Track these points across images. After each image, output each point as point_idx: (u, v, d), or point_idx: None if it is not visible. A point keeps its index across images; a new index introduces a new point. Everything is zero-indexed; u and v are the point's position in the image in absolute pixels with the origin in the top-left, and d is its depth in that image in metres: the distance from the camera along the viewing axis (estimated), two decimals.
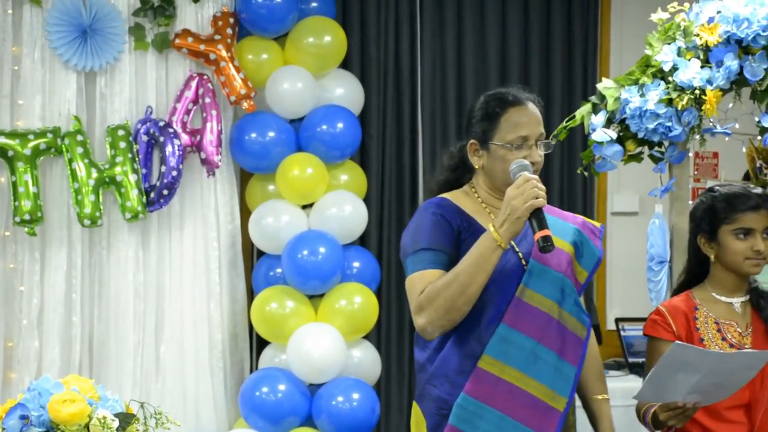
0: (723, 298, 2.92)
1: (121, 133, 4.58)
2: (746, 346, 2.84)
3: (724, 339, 2.86)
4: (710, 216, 2.90)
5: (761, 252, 2.84)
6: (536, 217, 2.62)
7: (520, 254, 2.77)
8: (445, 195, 2.87)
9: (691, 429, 2.84)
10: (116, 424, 2.78)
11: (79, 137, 4.53)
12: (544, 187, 2.64)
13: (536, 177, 2.65)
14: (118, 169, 4.55)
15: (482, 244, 2.64)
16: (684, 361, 2.58)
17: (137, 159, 4.60)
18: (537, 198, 2.60)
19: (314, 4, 4.96)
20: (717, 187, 2.94)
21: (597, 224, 2.96)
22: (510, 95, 2.81)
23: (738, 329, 2.88)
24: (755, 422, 2.83)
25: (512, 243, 2.76)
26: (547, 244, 2.59)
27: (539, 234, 2.60)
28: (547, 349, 2.74)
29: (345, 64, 5.11)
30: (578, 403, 2.93)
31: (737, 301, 2.92)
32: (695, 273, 2.98)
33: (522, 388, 2.72)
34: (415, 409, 2.85)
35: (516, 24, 5.28)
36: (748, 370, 2.68)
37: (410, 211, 5.27)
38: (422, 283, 2.69)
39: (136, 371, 4.70)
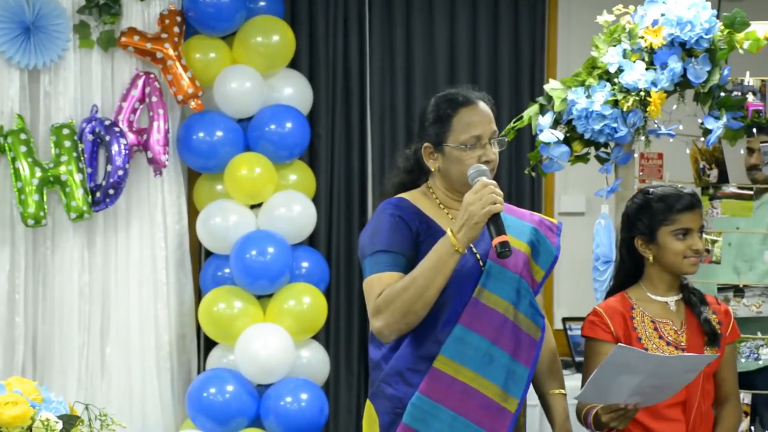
0: (658, 298, 2.95)
1: (65, 132, 4.53)
2: (682, 344, 2.88)
3: (660, 337, 2.90)
4: (648, 217, 2.92)
5: (699, 251, 2.89)
6: (494, 222, 2.62)
7: (478, 255, 2.78)
8: (404, 195, 2.86)
9: (632, 428, 2.87)
10: (60, 426, 2.74)
11: (23, 136, 4.47)
12: (501, 192, 2.65)
13: (494, 182, 2.65)
14: (62, 169, 4.50)
15: (440, 249, 2.63)
16: (626, 363, 2.60)
17: (82, 158, 4.56)
18: (495, 203, 2.61)
19: (262, 3, 4.95)
20: (650, 189, 2.97)
21: (554, 221, 2.97)
22: (460, 96, 2.81)
23: (674, 327, 2.92)
24: (690, 419, 2.87)
25: (470, 244, 2.77)
26: (504, 250, 2.60)
27: (497, 240, 2.60)
28: (501, 350, 2.74)
29: (293, 64, 5.10)
30: (529, 402, 2.94)
31: (672, 299, 2.95)
32: (629, 274, 3.01)
33: (476, 388, 2.72)
34: (369, 407, 2.85)
35: (464, 24, 5.30)
36: (688, 372, 2.72)
37: (359, 211, 5.28)
38: (380, 285, 2.68)
39: (81, 372, 4.65)
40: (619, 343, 2.69)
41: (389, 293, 2.65)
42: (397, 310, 2.64)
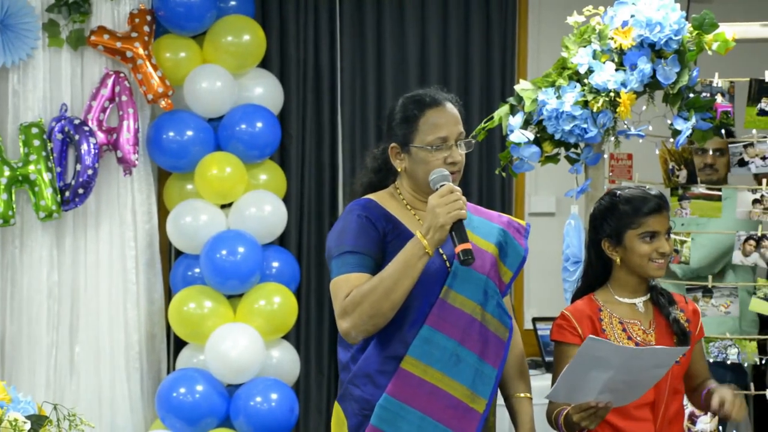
0: (625, 300, 2.96)
1: (34, 131, 4.49)
2: (651, 343, 2.89)
3: (629, 338, 2.91)
4: (615, 220, 2.93)
5: (666, 254, 2.90)
6: (457, 229, 2.64)
7: (444, 256, 2.79)
8: (371, 196, 2.86)
9: (601, 429, 2.88)
10: (28, 426, 2.73)
11: None
12: (465, 199, 2.67)
13: (459, 189, 2.68)
14: (31, 168, 4.47)
15: (408, 251, 2.64)
16: (597, 356, 2.62)
17: (52, 157, 4.52)
18: (460, 209, 2.63)
19: (233, 3, 4.94)
20: (617, 191, 2.97)
21: (523, 223, 2.98)
22: (427, 97, 2.82)
23: (642, 327, 2.93)
24: (657, 418, 2.89)
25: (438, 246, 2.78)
26: (467, 258, 2.62)
27: (460, 247, 2.62)
28: (468, 350, 2.75)
29: (264, 64, 5.09)
30: (499, 401, 2.95)
31: (639, 301, 2.96)
32: (597, 275, 3.01)
33: (444, 389, 2.73)
34: (337, 409, 2.84)
35: (435, 24, 5.32)
36: (658, 367, 2.73)
37: (330, 211, 5.27)
38: (347, 286, 2.68)
39: (50, 372, 4.62)
40: (590, 335, 2.70)
41: (356, 294, 2.65)
42: (364, 312, 2.64)
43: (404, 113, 2.81)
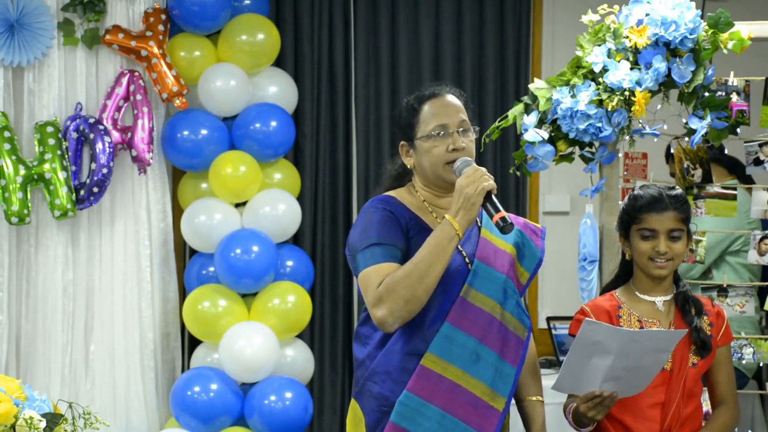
0: (645, 297, 2.96)
1: (49, 129, 4.51)
2: None
3: None
4: (625, 214, 2.97)
5: (661, 253, 2.89)
6: (490, 202, 2.68)
7: (465, 255, 2.80)
8: (390, 193, 2.91)
9: (614, 427, 2.88)
10: (43, 424, 2.74)
11: (6, 133, 4.45)
12: (492, 176, 2.71)
13: (483, 168, 2.70)
14: (46, 166, 4.49)
15: (439, 234, 2.67)
16: (596, 341, 2.63)
17: (67, 156, 4.54)
18: (488, 181, 2.66)
19: (247, 2, 4.94)
20: (637, 188, 3.00)
21: (539, 226, 3.01)
22: (427, 90, 2.89)
23: (660, 328, 2.92)
24: (666, 419, 2.88)
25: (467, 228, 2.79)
26: (506, 224, 2.65)
27: (497, 216, 2.66)
28: (488, 349, 2.76)
29: (278, 62, 5.10)
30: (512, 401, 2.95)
31: (660, 299, 2.96)
32: (624, 271, 3.03)
33: (464, 386, 2.74)
34: (354, 406, 2.85)
35: (449, 24, 5.31)
36: (659, 352, 2.72)
37: (344, 210, 5.28)
38: (378, 276, 2.69)
39: (65, 371, 4.64)
40: (587, 319, 2.70)
41: (390, 282, 2.66)
42: (399, 297, 2.65)
43: (407, 110, 2.88)
